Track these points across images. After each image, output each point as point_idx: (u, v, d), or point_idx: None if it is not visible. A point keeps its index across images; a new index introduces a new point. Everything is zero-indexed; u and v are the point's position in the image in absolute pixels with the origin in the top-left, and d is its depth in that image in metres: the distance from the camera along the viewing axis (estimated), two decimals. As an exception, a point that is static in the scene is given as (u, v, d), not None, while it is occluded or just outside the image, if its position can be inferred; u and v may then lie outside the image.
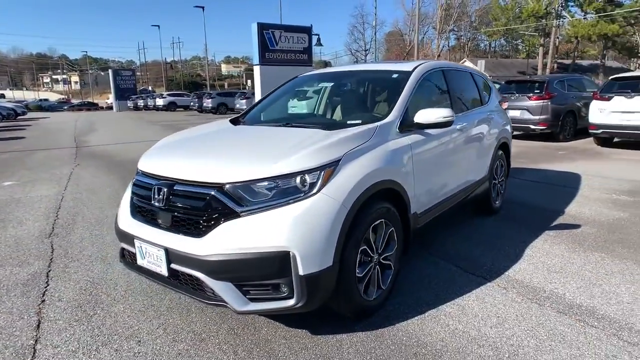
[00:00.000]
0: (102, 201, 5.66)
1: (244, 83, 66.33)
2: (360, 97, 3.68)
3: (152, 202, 2.48)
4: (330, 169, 2.35)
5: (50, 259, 3.72)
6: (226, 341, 2.47)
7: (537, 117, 10.19)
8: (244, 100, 24.01)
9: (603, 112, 8.99)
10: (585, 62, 54.09)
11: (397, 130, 2.93)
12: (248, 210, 2.22)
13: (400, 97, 3.14)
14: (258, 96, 20.22)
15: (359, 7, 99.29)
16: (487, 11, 61.34)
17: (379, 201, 2.61)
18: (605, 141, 9.57)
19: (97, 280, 3.30)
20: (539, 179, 6.54)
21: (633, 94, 8.53)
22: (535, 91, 10.26)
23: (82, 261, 3.67)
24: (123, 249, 2.76)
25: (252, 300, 2.24)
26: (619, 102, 8.70)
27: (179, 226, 2.39)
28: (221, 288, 2.22)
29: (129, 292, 3.11)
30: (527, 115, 10.31)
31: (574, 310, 2.70)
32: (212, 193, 2.28)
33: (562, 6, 46.76)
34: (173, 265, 2.34)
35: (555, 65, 49.77)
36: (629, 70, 49.51)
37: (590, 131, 9.46)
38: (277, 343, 2.44)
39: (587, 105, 10.32)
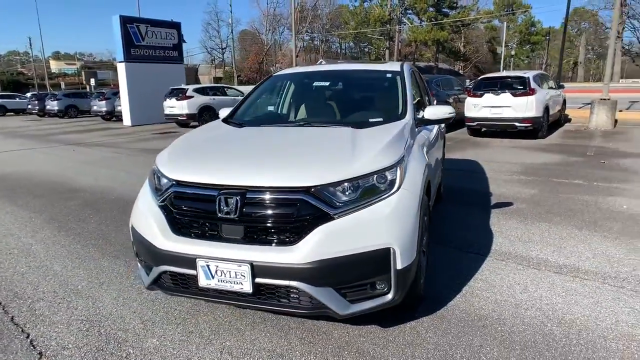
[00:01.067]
0: None
1: (84, 82, 58.91)
2: (363, 96, 3.82)
3: (218, 214, 2.26)
4: (401, 165, 2.47)
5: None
6: (309, 351, 2.40)
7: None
8: (104, 102, 21.47)
9: (476, 107, 10.72)
10: (422, 64, 62.48)
11: (414, 126, 3.19)
12: (341, 212, 2.20)
13: (407, 95, 3.40)
14: (124, 96, 18.39)
15: (213, 4, 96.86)
16: (338, 15, 66.07)
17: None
18: (475, 131, 11.40)
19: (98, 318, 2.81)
20: (450, 166, 7.53)
21: (499, 91, 10.38)
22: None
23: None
24: (160, 275, 2.44)
25: (352, 302, 2.24)
26: (488, 98, 10.49)
27: (260, 237, 2.23)
28: (322, 294, 2.16)
29: (146, 323, 2.73)
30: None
31: (564, 269, 3.33)
32: (302, 197, 2.19)
33: (402, 14, 53.10)
34: (258, 280, 2.19)
35: (400, 67, 56.20)
36: (457, 72, 58.88)
37: (467, 124, 11.18)
38: (359, 342, 2.46)
39: (456, 101, 12.20)
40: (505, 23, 55.79)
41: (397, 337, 2.51)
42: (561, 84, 13.70)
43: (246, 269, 2.17)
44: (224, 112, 3.83)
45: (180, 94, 15.89)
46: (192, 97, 15.89)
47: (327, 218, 2.19)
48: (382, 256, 2.20)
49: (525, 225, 4.37)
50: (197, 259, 2.26)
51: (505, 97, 10.30)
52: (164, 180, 2.54)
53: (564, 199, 5.31)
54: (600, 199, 5.25)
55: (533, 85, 10.26)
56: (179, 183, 2.44)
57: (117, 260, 3.75)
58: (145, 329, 2.66)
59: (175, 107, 15.91)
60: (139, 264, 2.77)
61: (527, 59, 67.81)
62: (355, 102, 3.73)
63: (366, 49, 74.27)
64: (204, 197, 2.34)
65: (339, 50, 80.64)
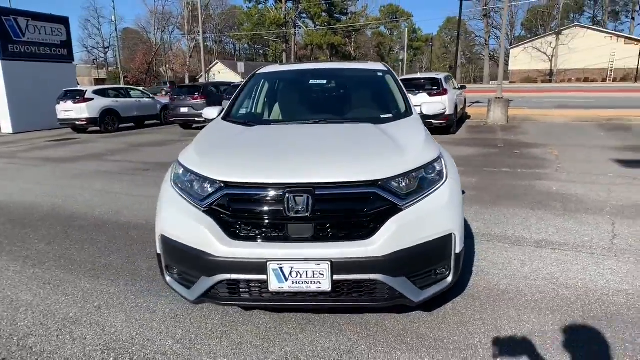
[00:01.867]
0: None
1: None
2: (363, 93, 3.87)
3: (288, 213, 2.17)
4: (442, 157, 2.62)
5: None
6: (373, 343, 2.42)
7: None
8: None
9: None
10: (317, 67, 64.25)
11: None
12: (407, 203, 2.27)
13: (405, 92, 3.58)
14: (2, 99, 15.89)
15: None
16: (232, 15, 64.90)
17: None
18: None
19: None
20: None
21: (416, 91, 11.21)
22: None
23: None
24: (213, 286, 2.26)
25: (422, 288, 2.32)
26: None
27: (333, 233, 2.20)
28: (399, 284, 2.22)
29: (184, 342, 2.49)
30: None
31: (542, 244, 3.81)
32: (374, 191, 2.21)
33: (297, 17, 54.11)
34: (336, 277, 2.15)
35: (297, 69, 57.24)
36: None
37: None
38: (414, 327, 2.56)
39: None
40: (406, 29, 59.92)
41: (445, 318, 2.65)
42: (463, 85, 15.32)
43: (326, 267, 2.13)
44: (211, 112, 3.63)
45: (77, 97, 14.24)
46: (92, 99, 14.35)
47: (396, 210, 2.24)
48: (446, 242, 2.32)
49: (487, 209, 4.86)
50: (269, 263, 2.14)
51: (422, 97, 11.14)
52: (208, 184, 2.34)
53: (503, 185, 6.00)
54: (533, 183, 6.05)
55: (445, 85, 11.28)
56: (233, 185, 2.27)
57: (99, 280, 3.32)
58: (186, 348, 2.43)
59: (72, 110, 14.22)
60: (168, 278, 2.51)
61: (410, 63, 73.97)
62: (357, 99, 3.79)
63: (261, 51, 74.34)
64: (267, 198, 2.22)
65: (233, 52, 79.33)
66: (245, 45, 76.24)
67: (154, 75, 62.90)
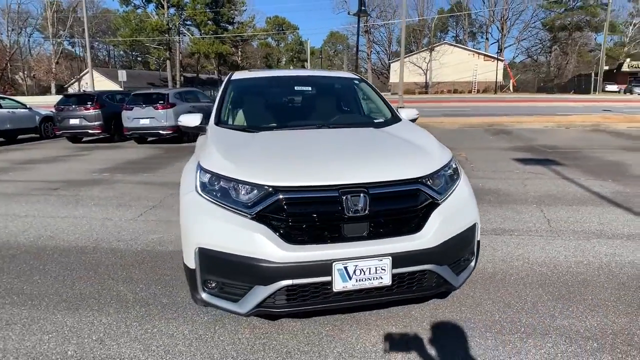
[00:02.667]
0: None
1: None
2: (345, 99, 3.98)
3: (347, 213, 2.23)
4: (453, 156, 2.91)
5: None
6: (414, 331, 2.59)
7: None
8: None
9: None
10: (204, 76, 62.52)
11: None
12: (443, 198, 2.50)
13: (384, 98, 3.84)
14: None
15: None
16: (105, 19, 59.93)
17: None
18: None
19: None
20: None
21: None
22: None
23: None
24: (272, 294, 2.22)
25: (457, 274, 2.56)
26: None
27: (388, 229, 2.32)
28: (445, 272, 2.43)
29: (246, 353, 2.37)
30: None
31: (499, 231, 4.37)
32: (419, 187, 2.40)
33: (181, 24, 52.08)
34: (395, 271, 2.28)
35: (183, 78, 55.09)
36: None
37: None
38: (443, 314, 2.79)
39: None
40: (308, 41, 60.91)
41: (461, 302, 2.93)
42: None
43: (387, 262, 2.24)
44: (192, 119, 3.47)
45: None
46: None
47: (435, 204, 2.45)
48: (473, 231, 2.61)
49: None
50: (334, 263, 2.18)
51: None
52: (254, 190, 2.28)
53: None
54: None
55: None
56: (286, 189, 2.25)
57: (78, 311, 2.93)
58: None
59: None
60: (204, 295, 2.37)
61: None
62: (343, 104, 3.93)
63: (139, 58, 69.71)
64: (323, 200, 2.25)
65: (107, 59, 73.05)
66: (122, 52, 70.85)
67: (8, 83, 54.88)
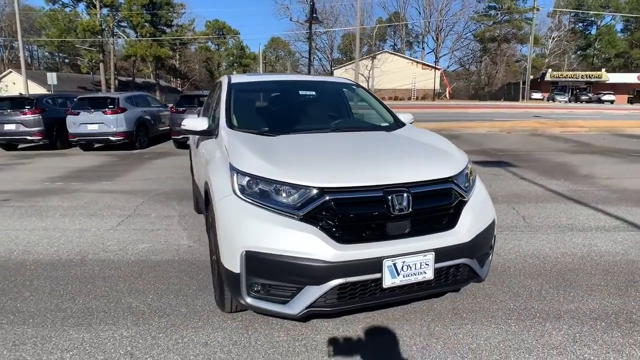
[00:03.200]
0: None
1: None
2: (347, 104, 4.05)
3: (393, 212, 2.33)
4: None
5: None
6: (443, 324, 2.74)
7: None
8: None
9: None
10: (140, 80, 59.82)
11: None
12: (468, 195, 2.69)
13: (383, 103, 4.00)
14: None
15: None
16: (27, 17, 55.59)
17: None
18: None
19: None
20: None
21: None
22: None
23: None
24: (325, 293, 2.26)
25: (481, 267, 2.74)
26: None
27: (428, 226, 2.45)
28: (475, 265, 2.61)
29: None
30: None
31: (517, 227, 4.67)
32: (451, 186, 2.56)
33: (116, 25, 49.62)
34: (437, 265, 2.42)
35: (117, 82, 52.36)
36: (176, 89, 59.44)
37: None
38: (465, 304, 2.97)
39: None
40: (261, 47, 59.94)
41: (474, 294, 3.13)
42: None
43: (431, 257, 2.37)
44: (199, 123, 3.41)
45: None
46: None
47: (464, 202, 2.63)
48: (493, 226, 2.81)
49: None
50: (384, 260, 2.28)
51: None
52: (300, 192, 2.32)
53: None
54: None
55: None
56: (334, 190, 2.31)
57: (92, 326, 2.77)
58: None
59: None
60: (249, 299, 2.36)
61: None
62: (346, 109, 4.01)
63: (67, 60, 65.41)
64: (370, 199, 2.34)
65: (30, 60, 67.66)
66: (47, 53, 65.99)
67: None
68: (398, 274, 2.33)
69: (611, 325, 2.73)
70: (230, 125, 3.27)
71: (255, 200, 2.38)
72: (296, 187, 2.33)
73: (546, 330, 2.66)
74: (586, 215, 5.12)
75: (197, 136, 3.98)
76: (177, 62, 63.35)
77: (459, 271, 2.55)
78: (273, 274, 2.29)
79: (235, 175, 2.50)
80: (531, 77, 47.36)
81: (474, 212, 2.62)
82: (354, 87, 4.28)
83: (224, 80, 3.96)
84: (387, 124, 3.67)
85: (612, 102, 43.43)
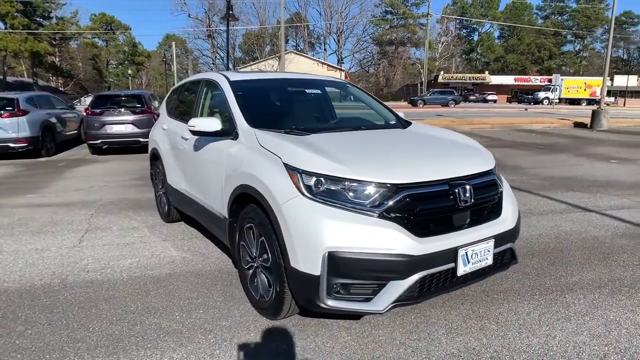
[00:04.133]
0: None
1: None
2: (354, 103, 4.08)
3: (460, 204, 2.49)
4: None
5: None
6: (479, 316, 2.98)
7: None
8: None
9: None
10: (12, 79, 52.78)
11: None
12: (502, 186, 2.95)
13: (380, 101, 4.15)
14: None
15: None
16: None
17: None
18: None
19: None
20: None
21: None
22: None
23: None
24: (410, 287, 2.35)
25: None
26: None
27: (483, 215, 2.67)
28: (514, 248, 2.88)
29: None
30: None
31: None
32: (494, 178, 2.80)
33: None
34: (495, 250, 2.64)
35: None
36: (57, 89, 53.68)
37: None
38: (492, 289, 3.24)
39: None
40: (175, 50, 55.57)
41: (507, 275, 3.43)
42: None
43: (492, 243, 2.59)
44: (212, 124, 3.23)
45: None
46: None
47: (502, 192, 2.89)
48: (520, 214, 3.12)
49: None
50: (459, 250, 2.43)
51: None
52: (376, 189, 2.37)
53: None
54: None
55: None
56: (408, 186, 2.40)
57: (161, 344, 2.52)
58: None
59: None
60: (330, 302, 2.35)
61: (134, 78, 70.33)
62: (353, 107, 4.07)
63: None
64: (439, 193, 2.47)
65: None
66: None
67: None
68: (468, 262, 2.49)
69: (614, 291, 3.21)
70: (253, 124, 3.15)
71: (328, 200, 2.37)
72: (371, 184, 2.37)
73: (569, 301, 3.04)
74: (537, 201, 5.83)
75: (193, 138, 3.75)
76: (58, 59, 57.22)
77: (505, 255, 2.80)
78: (357, 272, 2.30)
79: (299, 175, 2.45)
80: (427, 79, 51.56)
81: (510, 200, 2.90)
82: (349, 85, 4.38)
83: (218, 78, 3.77)
84: (394, 122, 3.82)
85: (494, 101, 49.06)
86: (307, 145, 2.70)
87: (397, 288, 2.32)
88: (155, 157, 5.10)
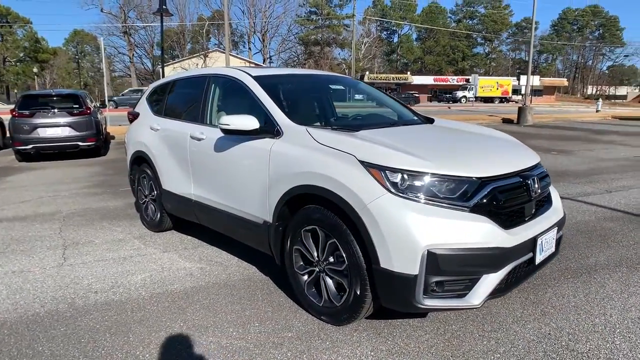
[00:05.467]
0: None
1: None
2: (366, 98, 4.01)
3: (532, 195, 2.57)
4: None
5: None
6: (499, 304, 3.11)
7: None
8: None
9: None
10: None
11: None
12: None
13: (396, 99, 4.19)
14: None
15: None
16: None
17: None
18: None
19: None
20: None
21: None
22: None
23: None
24: (503, 279, 2.39)
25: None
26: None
27: (544, 204, 2.81)
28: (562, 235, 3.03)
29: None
30: None
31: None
32: (545, 170, 2.93)
33: None
34: (557, 237, 2.77)
35: None
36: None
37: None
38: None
39: None
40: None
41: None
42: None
43: (555, 230, 2.71)
44: (249, 122, 3.02)
45: None
46: None
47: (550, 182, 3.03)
48: None
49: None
50: (537, 239, 2.51)
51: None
52: (463, 183, 2.36)
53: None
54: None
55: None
56: (491, 179, 2.42)
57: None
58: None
59: None
60: (427, 301, 2.31)
61: (37, 77, 64.02)
62: (374, 103, 4.03)
63: None
64: (516, 185, 2.53)
65: None
66: None
67: None
68: (543, 250, 2.58)
69: (631, 269, 3.51)
70: (298, 121, 3.00)
71: (417, 197, 2.31)
72: (459, 179, 2.36)
73: (600, 281, 3.28)
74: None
75: (212, 138, 3.49)
76: None
77: (560, 242, 2.94)
78: (455, 269, 2.27)
79: (382, 172, 2.37)
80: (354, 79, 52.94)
81: (554, 190, 3.05)
82: (359, 82, 4.36)
83: (238, 74, 3.52)
84: (416, 118, 3.84)
85: (418, 101, 51.67)
86: (379, 141, 2.62)
87: (491, 281, 2.33)
88: (140, 161, 4.68)
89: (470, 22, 79.50)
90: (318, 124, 3.08)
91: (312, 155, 2.70)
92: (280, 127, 2.99)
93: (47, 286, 3.38)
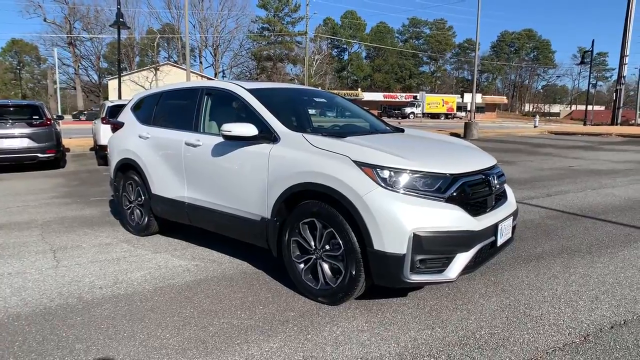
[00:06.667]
0: None
1: None
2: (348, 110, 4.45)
3: (492, 189, 3.14)
4: None
5: None
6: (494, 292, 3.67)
7: None
8: None
9: None
10: None
11: None
12: None
13: (369, 111, 4.69)
14: None
15: None
16: None
17: None
18: None
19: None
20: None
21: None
22: None
23: None
24: (473, 256, 2.90)
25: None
26: None
27: (501, 198, 3.38)
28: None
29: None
30: None
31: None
32: (501, 170, 3.52)
33: None
34: (512, 225, 3.35)
35: None
36: None
37: None
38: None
39: None
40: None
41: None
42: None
43: (511, 219, 3.28)
44: (247, 129, 3.41)
45: None
46: None
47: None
48: None
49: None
50: (498, 225, 3.05)
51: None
52: (439, 178, 2.86)
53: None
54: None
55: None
56: (461, 175, 2.94)
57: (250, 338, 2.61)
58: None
59: None
60: (414, 277, 2.77)
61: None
62: (348, 114, 4.47)
63: None
64: (480, 181, 3.08)
65: None
66: None
67: None
68: (502, 235, 3.13)
69: (571, 255, 4.17)
70: (294, 129, 3.42)
71: (402, 189, 2.79)
72: (435, 175, 2.86)
73: (547, 265, 3.90)
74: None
75: (208, 145, 3.83)
76: None
77: (514, 230, 3.52)
78: (435, 248, 2.75)
79: (373, 170, 2.83)
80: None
81: (508, 188, 3.65)
82: (336, 96, 4.84)
83: (233, 87, 3.89)
84: (388, 128, 4.37)
85: (369, 116, 53.42)
86: (366, 145, 3.09)
87: (463, 259, 2.83)
88: (126, 168, 4.89)
89: (417, 42, 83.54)
90: (309, 130, 3.51)
91: (310, 157, 3.13)
92: (277, 134, 3.39)
93: (49, 284, 3.54)
